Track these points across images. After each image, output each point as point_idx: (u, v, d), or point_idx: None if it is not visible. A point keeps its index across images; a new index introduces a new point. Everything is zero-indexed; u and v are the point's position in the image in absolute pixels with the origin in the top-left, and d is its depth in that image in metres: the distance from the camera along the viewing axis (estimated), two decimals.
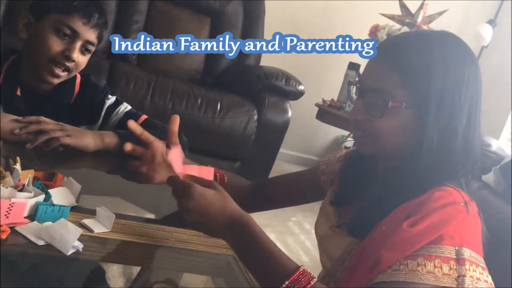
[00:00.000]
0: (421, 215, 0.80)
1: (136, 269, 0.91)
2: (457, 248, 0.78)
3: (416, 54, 0.85)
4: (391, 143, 0.88)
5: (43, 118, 1.17)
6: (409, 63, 0.85)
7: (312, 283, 0.74)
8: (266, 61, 3.22)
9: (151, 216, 1.12)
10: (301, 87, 2.81)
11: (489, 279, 0.80)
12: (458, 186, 0.86)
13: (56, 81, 1.29)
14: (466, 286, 0.75)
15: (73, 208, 0.87)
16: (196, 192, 0.80)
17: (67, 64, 1.27)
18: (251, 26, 3.20)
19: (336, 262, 0.94)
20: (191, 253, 0.91)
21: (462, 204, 0.82)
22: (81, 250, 0.76)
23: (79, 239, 0.76)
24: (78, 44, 1.27)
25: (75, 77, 1.36)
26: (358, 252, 0.86)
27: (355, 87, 0.94)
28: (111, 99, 1.42)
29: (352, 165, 1.03)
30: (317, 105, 3.29)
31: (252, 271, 0.81)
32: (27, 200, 0.79)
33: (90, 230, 0.83)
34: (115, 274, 0.88)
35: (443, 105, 0.84)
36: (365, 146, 0.92)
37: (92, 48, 1.32)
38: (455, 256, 0.77)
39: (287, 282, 0.74)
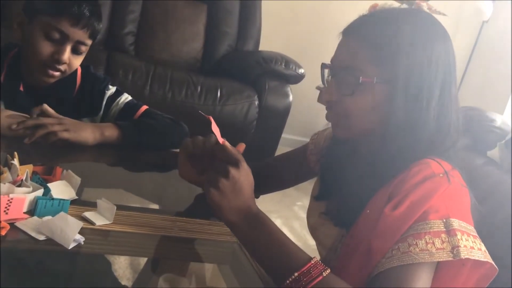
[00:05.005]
0: (401, 196, 0.80)
1: (143, 260, 0.90)
2: (444, 220, 0.77)
3: (385, 30, 0.84)
4: (364, 122, 0.87)
5: (41, 113, 1.15)
6: (378, 39, 0.84)
7: (325, 275, 0.72)
8: (265, 45, 3.19)
9: (155, 206, 1.11)
10: (301, 71, 2.79)
11: (483, 247, 0.79)
12: (439, 157, 0.85)
13: (51, 80, 1.28)
14: (462, 257, 0.75)
15: (74, 201, 0.86)
16: (244, 166, 0.81)
17: (58, 66, 1.25)
18: (248, 13, 3.16)
19: (329, 251, 0.94)
20: (195, 242, 0.91)
21: (441, 175, 0.81)
22: (82, 243, 0.75)
23: (81, 232, 0.76)
24: (68, 46, 1.24)
25: (76, 69, 1.34)
26: (347, 240, 0.85)
27: (328, 70, 0.93)
28: (111, 89, 1.41)
29: (331, 157, 1.02)
30: (318, 88, 3.26)
31: (262, 263, 0.80)
32: (25, 195, 0.78)
33: (92, 223, 0.82)
34: (121, 265, 0.87)
35: (411, 82, 0.83)
36: (339, 129, 0.91)
37: (85, 48, 1.28)
38: (444, 229, 0.77)
39: (296, 274, 0.73)
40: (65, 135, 1.15)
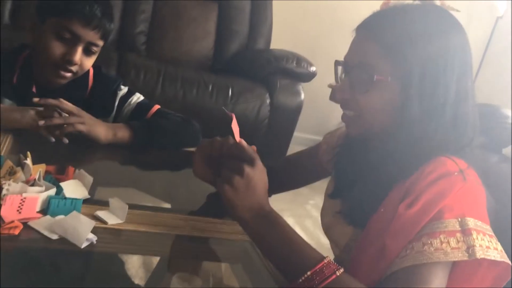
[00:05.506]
0: (416, 194, 0.79)
1: (156, 260, 0.90)
2: (460, 219, 0.76)
3: (398, 25, 0.84)
4: (378, 120, 0.86)
5: (62, 102, 1.17)
6: (391, 35, 0.83)
7: (338, 274, 0.72)
8: (276, 44, 3.18)
9: (167, 205, 1.11)
10: (312, 69, 2.77)
11: (499, 246, 0.78)
12: (455, 155, 0.84)
13: (62, 81, 1.28)
14: (478, 257, 0.73)
15: (86, 201, 0.86)
16: (259, 165, 0.81)
17: (70, 67, 1.25)
18: (259, 11, 3.16)
19: (343, 251, 0.93)
20: (208, 241, 0.90)
21: (456, 173, 0.80)
22: (95, 242, 0.75)
23: (93, 231, 0.76)
24: (79, 47, 1.24)
25: (88, 70, 1.35)
26: (361, 239, 0.84)
27: (341, 67, 0.92)
28: (123, 89, 1.41)
29: (345, 155, 1.01)
30: (330, 86, 3.25)
31: (274, 261, 0.80)
32: (38, 195, 0.78)
33: (104, 222, 0.82)
34: (134, 265, 0.87)
35: (426, 76, 0.81)
36: (353, 126, 0.90)
37: (97, 49, 1.29)
38: (459, 228, 0.75)
39: (309, 273, 0.72)
40: (81, 127, 1.16)
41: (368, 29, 0.86)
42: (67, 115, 1.16)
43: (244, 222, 0.81)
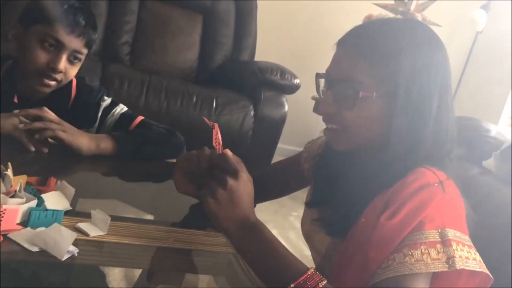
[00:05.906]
0: (397, 205, 0.79)
1: (138, 272, 0.89)
2: (440, 230, 0.77)
3: (383, 41, 0.84)
4: (363, 135, 0.86)
5: (45, 111, 1.17)
6: (376, 51, 0.83)
7: (321, 286, 0.72)
8: (261, 56, 3.20)
9: (150, 217, 1.11)
10: (296, 81, 2.79)
11: (478, 257, 0.79)
12: (434, 166, 0.84)
13: (46, 90, 1.28)
14: (458, 267, 0.74)
15: (68, 212, 0.85)
16: (243, 177, 0.81)
17: (54, 75, 1.25)
18: (243, 23, 3.18)
19: (323, 258, 0.93)
20: (190, 253, 0.90)
21: (436, 184, 0.81)
22: (76, 254, 0.74)
23: (75, 244, 0.75)
24: (64, 55, 1.24)
25: (71, 81, 1.34)
26: (343, 249, 0.84)
27: (323, 80, 0.92)
28: (107, 100, 1.41)
29: (324, 164, 1.01)
30: (313, 98, 3.27)
31: (258, 272, 0.80)
32: (19, 206, 0.77)
33: (86, 234, 0.81)
34: (116, 277, 0.86)
35: (412, 91, 0.82)
36: (337, 141, 0.89)
37: (81, 57, 1.29)
38: (439, 239, 0.76)
39: (292, 285, 0.72)
40: (62, 134, 1.15)
41: (352, 44, 0.86)
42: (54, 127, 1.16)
43: (228, 234, 0.81)
